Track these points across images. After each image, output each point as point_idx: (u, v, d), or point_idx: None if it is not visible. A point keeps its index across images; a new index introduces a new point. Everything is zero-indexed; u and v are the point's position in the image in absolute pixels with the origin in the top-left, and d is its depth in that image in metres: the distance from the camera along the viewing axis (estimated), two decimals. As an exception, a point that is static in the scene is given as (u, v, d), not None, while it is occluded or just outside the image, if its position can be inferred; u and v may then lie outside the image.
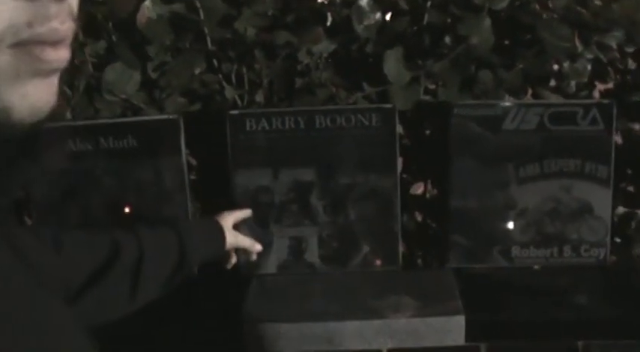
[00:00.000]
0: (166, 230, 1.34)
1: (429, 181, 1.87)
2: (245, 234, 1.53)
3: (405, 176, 1.84)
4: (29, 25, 0.58)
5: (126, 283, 1.23)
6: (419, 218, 1.90)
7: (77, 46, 1.72)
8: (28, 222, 1.76)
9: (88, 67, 1.73)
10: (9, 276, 0.70)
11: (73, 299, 1.14)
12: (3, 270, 0.69)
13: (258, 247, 1.54)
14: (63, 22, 0.61)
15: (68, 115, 1.73)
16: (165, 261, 1.30)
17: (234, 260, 1.54)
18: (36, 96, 0.62)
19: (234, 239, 1.48)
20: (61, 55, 0.62)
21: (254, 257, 1.56)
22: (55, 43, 0.61)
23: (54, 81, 0.63)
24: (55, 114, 0.71)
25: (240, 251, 1.53)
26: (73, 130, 1.69)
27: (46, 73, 0.62)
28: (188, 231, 1.35)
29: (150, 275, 1.26)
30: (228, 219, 1.49)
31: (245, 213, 1.56)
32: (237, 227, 1.53)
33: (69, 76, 1.73)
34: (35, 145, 0.76)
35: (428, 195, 1.88)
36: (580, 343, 1.60)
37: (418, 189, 1.89)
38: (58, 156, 1.68)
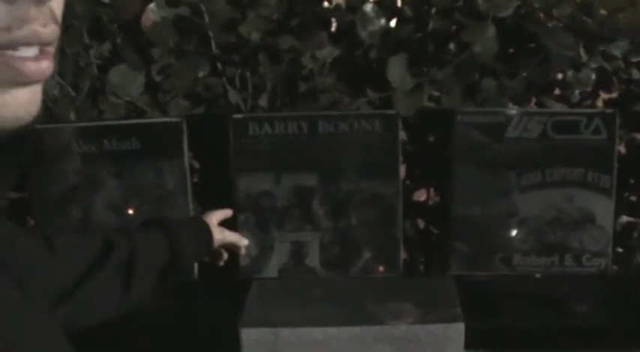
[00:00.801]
0: (155, 227, 1.36)
1: (432, 188, 1.87)
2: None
3: (407, 182, 1.84)
4: (8, 29, 0.57)
5: (119, 279, 1.24)
6: (421, 225, 1.90)
7: (82, 48, 1.72)
8: (31, 222, 1.76)
9: (92, 69, 1.73)
10: None
11: (68, 297, 1.14)
12: None
13: (244, 241, 1.59)
14: (45, 25, 0.60)
15: (72, 117, 1.73)
16: (156, 257, 1.32)
17: (225, 256, 1.57)
18: (16, 105, 0.61)
19: (220, 235, 1.52)
20: (43, 67, 0.61)
21: (242, 251, 1.62)
22: (36, 57, 0.60)
23: (36, 89, 0.62)
24: (38, 119, 0.70)
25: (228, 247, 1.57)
26: (76, 131, 1.69)
27: (26, 84, 0.61)
28: (176, 228, 1.37)
29: (142, 272, 1.27)
30: (212, 218, 1.53)
31: (225, 213, 1.59)
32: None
33: (73, 77, 1.73)
34: (22, 149, 0.75)
35: (430, 202, 1.88)
36: (580, 352, 1.60)
37: (421, 195, 1.89)
38: (65, 157, 1.69)
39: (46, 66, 0.62)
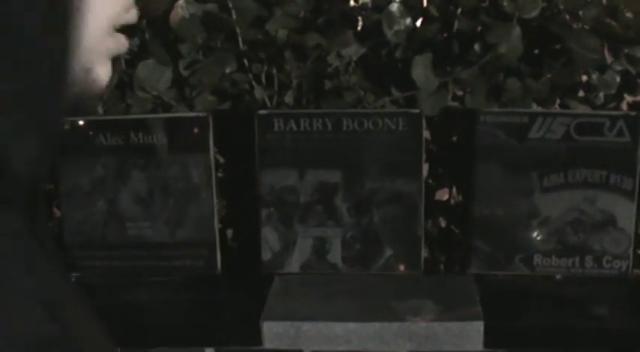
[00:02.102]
0: None
1: (454, 187, 1.88)
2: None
3: (430, 181, 1.85)
4: None
5: None
6: (442, 223, 1.91)
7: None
8: (57, 213, 1.79)
9: (120, 63, 1.76)
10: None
11: None
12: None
13: None
14: None
15: (100, 110, 1.76)
16: None
17: None
18: None
19: None
20: None
21: None
22: None
23: None
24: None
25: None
26: (104, 125, 1.72)
27: None
28: None
29: None
30: None
31: None
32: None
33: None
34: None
35: (452, 201, 1.89)
36: (599, 354, 1.60)
37: (443, 194, 1.90)
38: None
39: None
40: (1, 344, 0.58)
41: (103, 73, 0.67)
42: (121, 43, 0.66)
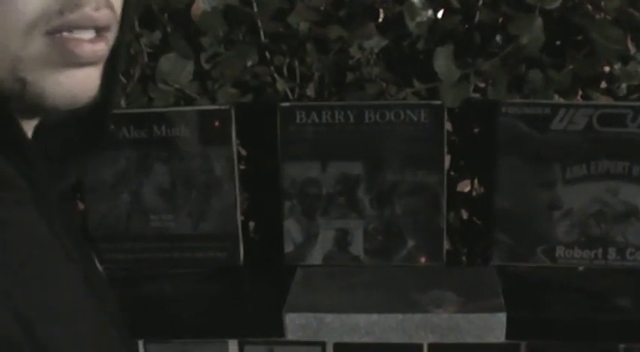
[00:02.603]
0: None
1: (476, 179, 1.88)
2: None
3: (452, 173, 1.85)
4: (60, 12, 0.59)
5: None
6: (465, 215, 1.91)
7: (133, 37, 1.76)
8: (81, 206, 1.80)
9: (143, 57, 1.76)
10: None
11: None
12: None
13: None
14: (97, 9, 0.61)
15: (123, 103, 1.77)
16: None
17: None
18: (70, 84, 0.62)
19: None
20: (96, 49, 0.62)
21: None
22: (91, 40, 0.62)
23: (91, 71, 0.64)
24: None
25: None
26: (127, 118, 1.73)
27: (79, 65, 0.62)
28: None
29: None
30: None
31: None
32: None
33: (124, 65, 1.77)
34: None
35: (474, 193, 1.89)
36: (622, 346, 1.59)
37: (465, 186, 1.90)
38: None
39: (100, 48, 0.63)
40: None
41: None
42: None
